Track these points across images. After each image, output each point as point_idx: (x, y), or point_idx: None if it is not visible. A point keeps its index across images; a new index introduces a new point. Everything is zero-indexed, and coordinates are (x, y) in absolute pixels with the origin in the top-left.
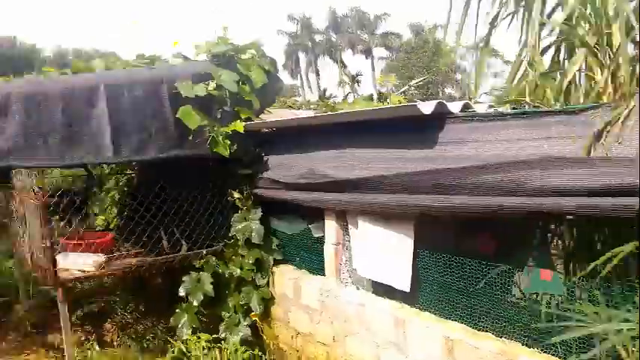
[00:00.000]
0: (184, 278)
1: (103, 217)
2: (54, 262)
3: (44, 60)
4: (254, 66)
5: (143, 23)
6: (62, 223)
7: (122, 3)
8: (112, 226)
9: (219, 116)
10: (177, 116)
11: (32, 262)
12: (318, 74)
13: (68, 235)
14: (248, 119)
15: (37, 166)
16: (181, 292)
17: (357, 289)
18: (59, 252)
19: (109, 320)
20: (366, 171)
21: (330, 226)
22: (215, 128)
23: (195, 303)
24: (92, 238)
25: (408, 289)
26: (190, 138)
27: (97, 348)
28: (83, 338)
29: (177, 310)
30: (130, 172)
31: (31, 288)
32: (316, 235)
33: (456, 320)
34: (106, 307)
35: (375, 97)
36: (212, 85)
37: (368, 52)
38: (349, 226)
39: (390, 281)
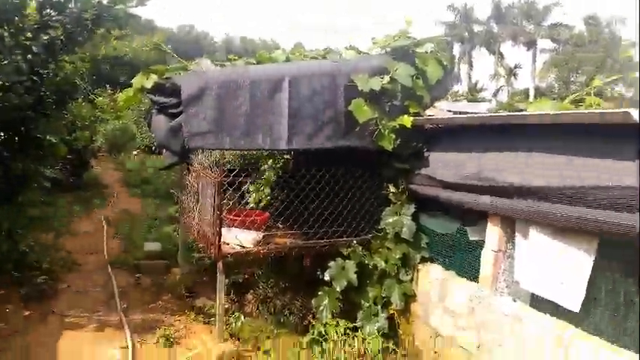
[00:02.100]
0: (330, 263)
1: (258, 196)
2: (219, 236)
3: (214, 45)
4: (432, 60)
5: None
6: (229, 200)
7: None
8: (262, 204)
9: (387, 110)
10: (348, 108)
11: (198, 233)
12: (471, 65)
13: (231, 211)
14: (416, 114)
15: (223, 148)
16: (326, 277)
17: (514, 300)
18: (224, 226)
19: (251, 292)
20: (544, 179)
21: (493, 231)
22: (382, 121)
23: (337, 289)
24: (250, 215)
25: (578, 310)
26: (357, 130)
27: (242, 318)
28: (227, 306)
29: (319, 293)
30: (288, 156)
31: (189, 255)
32: (472, 239)
33: (632, 351)
34: (249, 279)
35: (532, 92)
36: (386, 78)
37: (530, 44)
38: (516, 235)
39: (558, 299)
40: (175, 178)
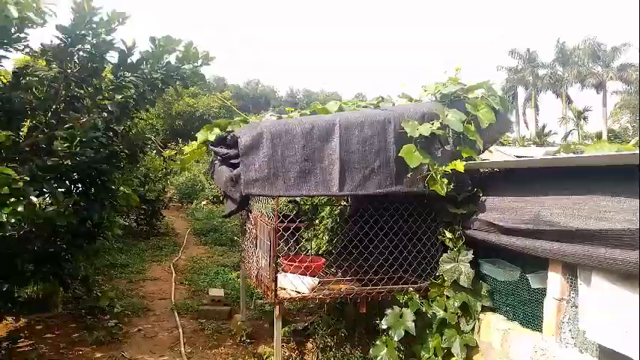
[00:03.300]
0: (387, 311)
1: (316, 243)
2: (275, 281)
3: (279, 99)
4: (482, 105)
5: (361, 66)
6: (285, 246)
7: (347, 53)
8: (321, 251)
9: (439, 155)
10: (399, 154)
11: (257, 278)
12: (537, 109)
13: (287, 256)
14: (469, 158)
15: (277, 195)
16: (383, 325)
17: (580, 352)
18: (280, 272)
19: (311, 340)
20: (606, 222)
21: (555, 278)
22: (435, 167)
23: (395, 338)
24: (307, 261)
25: None
26: (409, 175)
27: None
28: (287, 354)
29: (377, 342)
30: (345, 202)
31: (250, 301)
32: (534, 287)
33: None
34: (309, 327)
35: (605, 135)
36: (436, 124)
37: (599, 87)
38: (578, 282)
39: (624, 349)
40: (239, 227)
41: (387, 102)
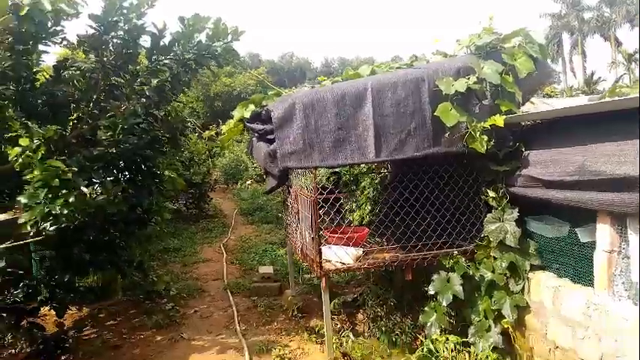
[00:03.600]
0: (434, 277)
1: (359, 213)
2: (320, 254)
3: (314, 70)
4: (520, 54)
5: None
6: (327, 218)
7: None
8: (365, 221)
9: (477, 110)
10: (435, 114)
11: (302, 252)
12: (584, 56)
13: (331, 228)
14: (509, 112)
15: (313, 166)
16: (431, 291)
17: (635, 304)
18: (324, 244)
19: (361, 311)
20: None
21: (604, 230)
22: (473, 124)
23: (444, 303)
24: (350, 232)
25: None
26: (447, 135)
27: (352, 337)
28: (339, 326)
29: (425, 309)
30: (385, 170)
31: (299, 275)
32: (584, 241)
33: None
34: (358, 298)
35: None
36: (472, 79)
37: None
38: (628, 232)
39: None
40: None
41: (421, 61)
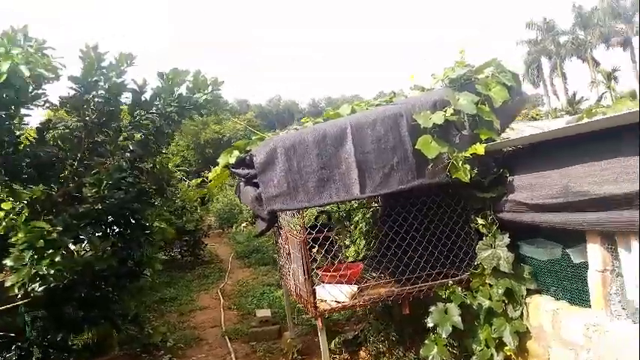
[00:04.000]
0: (431, 309)
1: (354, 249)
2: (314, 294)
3: (302, 111)
4: (493, 84)
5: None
6: (318, 256)
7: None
8: (360, 256)
9: (457, 141)
10: (416, 147)
11: (296, 293)
12: (565, 77)
13: (323, 267)
14: (489, 140)
15: (299, 207)
16: (429, 323)
17: (634, 322)
18: (317, 284)
19: (363, 348)
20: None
21: (594, 250)
22: (454, 154)
23: (443, 335)
24: (343, 269)
25: None
26: (429, 167)
27: None
28: None
29: (426, 342)
30: (375, 204)
31: (297, 316)
32: (576, 261)
33: None
34: (359, 335)
35: (638, 92)
36: (449, 111)
37: (626, 44)
38: (619, 250)
39: None
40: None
41: (399, 96)
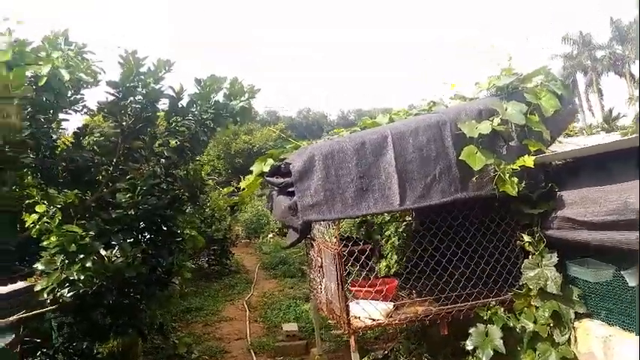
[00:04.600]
0: (471, 330)
1: (385, 263)
2: (347, 310)
3: (331, 123)
4: (543, 92)
5: (379, 66)
6: (353, 270)
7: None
8: (391, 271)
9: (504, 152)
10: (460, 158)
11: (328, 308)
12: (600, 94)
13: (358, 282)
14: (538, 152)
15: (335, 218)
16: (469, 346)
17: None
18: (351, 299)
19: None
20: None
21: None
22: (501, 166)
23: (484, 359)
24: (378, 284)
25: None
26: (474, 179)
27: None
28: None
29: None
30: (409, 217)
31: (326, 332)
32: (632, 284)
33: None
34: (389, 355)
35: None
36: (496, 120)
37: None
38: None
39: None
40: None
41: (439, 105)
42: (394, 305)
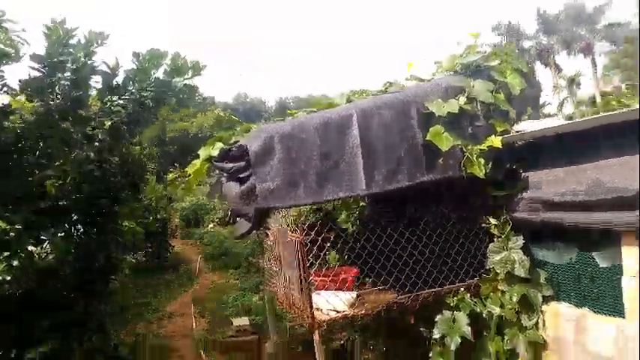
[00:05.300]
0: (437, 318)
1: (333, 253)
2: (311, 303)
3: (268, 110)
4: (509, 70)
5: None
6: (316, 261)
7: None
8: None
9: (471, 132)
10: (427, 139)
11: (287, 300)
12: None
13: (320, 272)
14: (504, 132)
15: (298, 204)
16: (435, 334)
17: None
18: (313, 290)
19: None
20: None
21: (630, 254)
22: (468, 147)
23: (452, 347)
24: (338, 274)
25: None
26: (440, 160)
27: None
28: None
29: (430, 355)
30: (362, 203)
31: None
32: (603, 266)
33: None
34: (345, 345)
35: (599, 98)
36: (462, 99)
37: (587, 50)
38: None
39: None
40: (253, 247)
41: (395, 86)
42: (358, 295)
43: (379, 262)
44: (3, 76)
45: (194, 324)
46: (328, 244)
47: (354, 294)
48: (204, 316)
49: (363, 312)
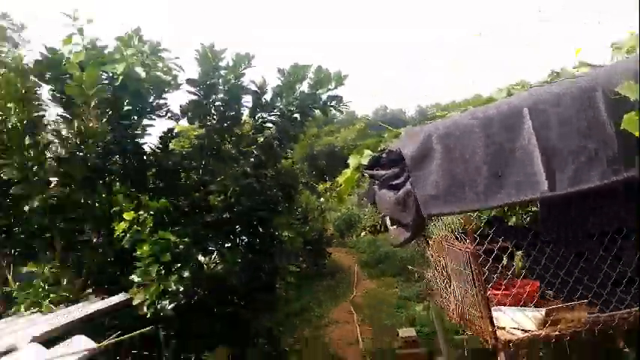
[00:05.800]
0: None
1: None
2: (491, 321)
3: (411, 118)
4: None
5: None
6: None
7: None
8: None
9: None
10: (621, 127)
11: (459, 315)
12: None
13: (493, 284)
14: None
15: (466, 210)
16: None
17: None
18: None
19: None
20: None
21: None
22: None
23: None
24: (514, 286)
25: None
26: None
27: None
28: None
29: None
30: (534, 208)
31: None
32: None
33: None
34: None
35: None
36: None
37: None
38: None
39: None
40: (409, 254)
41: (565, 73)
42: (547, 312)
43: (562, 273)
44: (167, 104)
45: (358, 332)
46: (506, 255)
47: (542, 310)
48: (365, 322)
49: (557, 332)
